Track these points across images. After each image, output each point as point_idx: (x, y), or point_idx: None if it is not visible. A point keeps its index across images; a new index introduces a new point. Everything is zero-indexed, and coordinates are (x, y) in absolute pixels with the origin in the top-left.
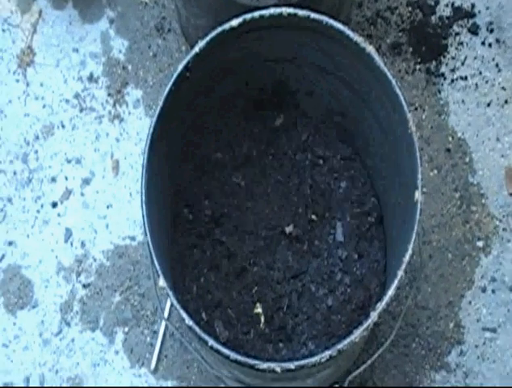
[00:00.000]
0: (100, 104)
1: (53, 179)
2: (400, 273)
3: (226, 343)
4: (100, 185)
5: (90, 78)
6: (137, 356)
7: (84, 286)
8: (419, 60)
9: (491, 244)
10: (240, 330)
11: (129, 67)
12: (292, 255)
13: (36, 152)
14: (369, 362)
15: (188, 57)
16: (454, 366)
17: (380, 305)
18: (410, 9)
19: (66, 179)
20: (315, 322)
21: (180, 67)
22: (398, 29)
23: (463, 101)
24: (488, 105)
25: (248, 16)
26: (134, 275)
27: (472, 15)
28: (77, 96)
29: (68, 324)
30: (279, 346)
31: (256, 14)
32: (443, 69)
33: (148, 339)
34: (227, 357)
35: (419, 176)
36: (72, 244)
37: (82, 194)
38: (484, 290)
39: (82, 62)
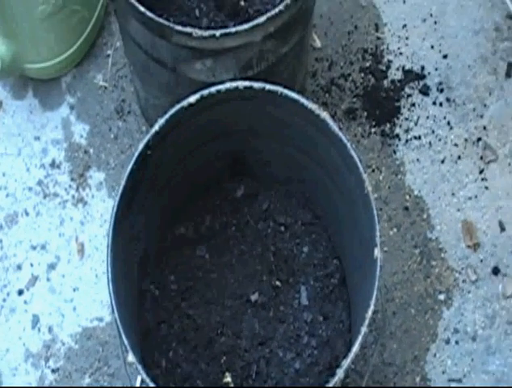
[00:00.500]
0: (63, 189)
1: (19, 267)
2: (364, 329)
3: None
4: (66, 269)
5: (53, 165)
6: None
7: (53, 371)
8: (374, 123)
9: (452, 296)
10: None
11: (91, 151)
12: (259, 323)
13: (1, 241)
14: None
15: (148, 136)
16: None
17: (346, 362)
18: (363, 75)
19: (32, 265)
20: (284, 387)
21: (141, 146)
22: (352, 95)
23: (418, 160)
24: (443, 162)
25: (205, 92)
26: (103, 356)
27: (422, 77)
28: (40, 183)
29: None
30: None
31: (213, 89)
32: (397, 130)
33: None
34: None
35: (377, 234)
36: (39, 330)
37: (48, 279)
38: (447, 342)
39: (44, 150)
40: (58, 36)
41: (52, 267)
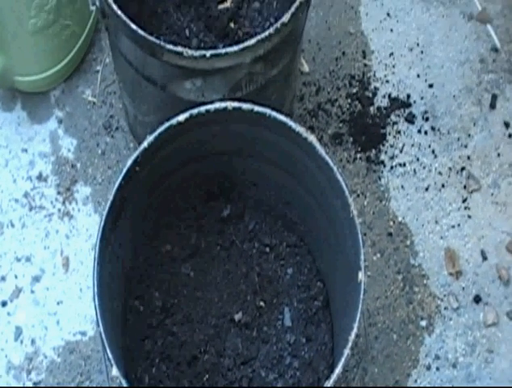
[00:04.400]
0: (49, 202)
1: (3, 278)
2: (347, 352)
3: None
4: (50, 282)
5: (40, 177)
6: None
7: (35, 384)
8: (359, 149)
9: (434, 323)
10: None
11: (78, 165)
12: (242, 342)
13: None
14: None
15: (137, 152)
16: None
17: (328, 384)
18: (349, 101)
19: (16, 277)
20: None
21: (129, 162)
22: (339, 120)
23: (402, 187)
24: (427, 189)
25: (194, 111)
26: (85, 370)
27: (408, 105)
28: (26, 195)
29: None
30: None
31: (202, 109)
32: (383, 156)
33: None
34: None
35: (362, 257)
36: (22, 342)
37: (32, 291)
38: (428, 368)
39: (31, 162)
40: (48, 50)
41: (36, 279)
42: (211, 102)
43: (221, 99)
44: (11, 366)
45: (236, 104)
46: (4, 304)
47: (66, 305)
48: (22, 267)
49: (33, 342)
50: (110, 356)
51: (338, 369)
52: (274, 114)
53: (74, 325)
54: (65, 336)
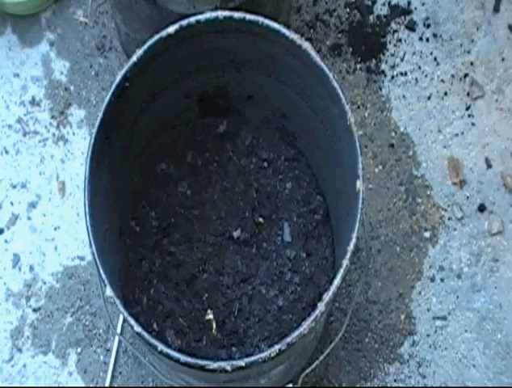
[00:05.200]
0: (43, 127)
1: None
2: (346, 262)
3: (179, 352)
4: (47, 208)
5: (33, 102)
6: (91, 375)
7: (34, 310)
8: (359, 59)
9: (437, 234)
10: (192, 338)
11: (71, 88)
12: (241, 260)
13: None
14: (321, 358)
15: (126, 67)
16: (407, 357)
17: (327, 296)
18: (348, 10)
19: (12, 204)
20: (267, 324)
21: (118, 78)
22: (337, 31)
23: (403, 96)
24: (429, 98)
25: (184, 22)
26: (85, 295)
27: (409, 12)
28: (19, 121)
29: (19, 350)
30: (232, 350)
31: (192, 19)
32: (383, 66)
33: (102, 357)
34: (177, 361)
35: (359, 166)
36: (20, 269)
37: (29, 218)
38: (433, 280)
39: (24, 87)
40: None
41: (32, 205)
42: (203, 12)
43: (213, 10)
44: (10, 293)
45: (227, 13)
46: (1, 232)
47: (63, 231)
48: (17, 194)
49: (31, 268)
50: (103, 276)
51: (337, 281)
52: (266, 22)
53: (72, 250)
54: (64, 261)
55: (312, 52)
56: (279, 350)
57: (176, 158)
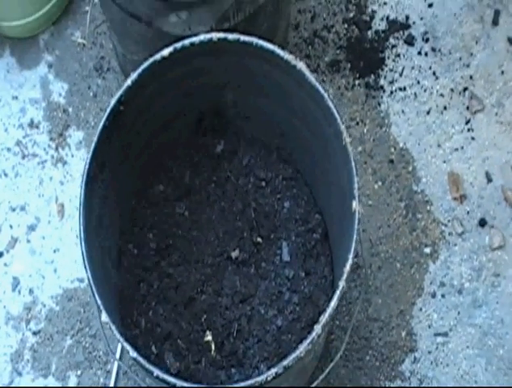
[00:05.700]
0: (42, 149)
1: None
2: (342, 284)
3: (177, 375)
4: (46, 230)
5: (31, 124)
6: None
7: (34, 333)
8: (358, 75)
9: (438, 249)
10: (191, 359)
11: (70, 109)
12: (240, 280)
13: None
14: (321, 377)
15: (121, 91)
16: (408, 374)
17: (323, 318)
18: (346, 26)
19: (11, 227)
20: (266, 344)
21: (113, 102)
22: (336, 47)
23: (403, 111)
24: (428, 113)
25: (178, 45)
26: (84, 317)
27: (407, 27)
28: (18, 143)
29: (19, 374)
30: (232, 371)
31: (186, 42)
32: (382, 81)
33: (102, 379)
34: (173, 387)
35: (355, 186)
36: (20, 292)
37: (28, 241)
38: (433, 296)
39: (22, 109)
40: None
41: (31, 228)
42: (197, 34)
43: (208, 32)
44: (10, 317)
45: (221, 35)
46: (0, 255)
47: (63, 253)
48: (17, 217)
49: (31, 291)
50: (99, 302)
51: (334, 302)
52: (261, 42)
53: (72, 272)
54: (63, 284)
55: (307, 72)
56: (276, 373)
57: (173, 178)
